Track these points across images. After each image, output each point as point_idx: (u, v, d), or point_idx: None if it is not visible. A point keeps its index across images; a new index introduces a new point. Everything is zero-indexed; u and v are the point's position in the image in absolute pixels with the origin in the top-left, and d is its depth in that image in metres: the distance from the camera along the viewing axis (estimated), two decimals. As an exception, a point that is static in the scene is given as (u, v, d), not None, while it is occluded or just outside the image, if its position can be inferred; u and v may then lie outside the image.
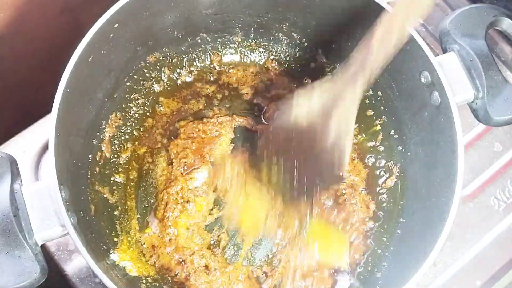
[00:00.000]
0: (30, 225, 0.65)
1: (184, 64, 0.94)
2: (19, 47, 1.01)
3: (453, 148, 0.72)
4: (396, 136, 0.89)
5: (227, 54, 0.95)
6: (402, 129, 0.86)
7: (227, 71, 0.95)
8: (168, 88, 0.93)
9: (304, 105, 0.72)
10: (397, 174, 0.88)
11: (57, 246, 0.85)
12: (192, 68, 0.94)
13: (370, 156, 0.91)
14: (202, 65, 0.95)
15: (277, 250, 0.85)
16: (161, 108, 0.92)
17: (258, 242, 0.86)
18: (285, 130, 0.76)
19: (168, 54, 0.91)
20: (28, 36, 1.01)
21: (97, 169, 0.85)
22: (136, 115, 0.91)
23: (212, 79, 0.95)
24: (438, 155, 0.77)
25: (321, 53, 0.93)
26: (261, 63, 0.96)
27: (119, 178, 0.88)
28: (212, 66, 0.95)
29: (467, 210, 0.94)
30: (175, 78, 0.93)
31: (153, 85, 0.92)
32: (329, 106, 0.69)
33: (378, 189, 0.90)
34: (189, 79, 0.94)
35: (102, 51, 0.76)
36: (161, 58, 0.91)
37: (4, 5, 0.92)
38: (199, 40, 0.92)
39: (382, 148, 0.91)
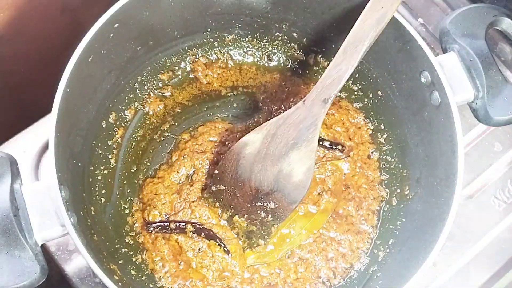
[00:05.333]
0: (30, 225, 0.65)
1: (184, 64, 0.94)
2: (19, 47, 1.01)
3: (453, 148, 0.72)
4: (396, 136, 0.89)
5: (226, 53, 0.95)
6: (402, 129, 0.86)
7: (227, 70, 0.95)
8: (168, 88, 0.93)
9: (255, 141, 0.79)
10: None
11: (57, 246, 0.86)
12: (192, 68, 0.94)
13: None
14: (201, 64, 0.95)
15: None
16: (160, 107, 0.92)
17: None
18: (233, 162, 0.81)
19: (168, 54, 0.91)
20: (28, 36, 1.01)
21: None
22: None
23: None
24: (438, 155, 0.77)
25: (321, 53, 0.93)
26: (261, 63, 0.96)
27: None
28: (211, 65, 0.95)
29: (467, 210, 0.94)
30: (175, 78, 0.94)
31: (153, 84, 0.92)
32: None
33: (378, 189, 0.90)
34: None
35: (102, 51, 0.76)
36: (161, 58, 0.91)
37: (4, 5, 0.92)
38: (199, 40, 0.92)
39: (382, 148, 0.91)
